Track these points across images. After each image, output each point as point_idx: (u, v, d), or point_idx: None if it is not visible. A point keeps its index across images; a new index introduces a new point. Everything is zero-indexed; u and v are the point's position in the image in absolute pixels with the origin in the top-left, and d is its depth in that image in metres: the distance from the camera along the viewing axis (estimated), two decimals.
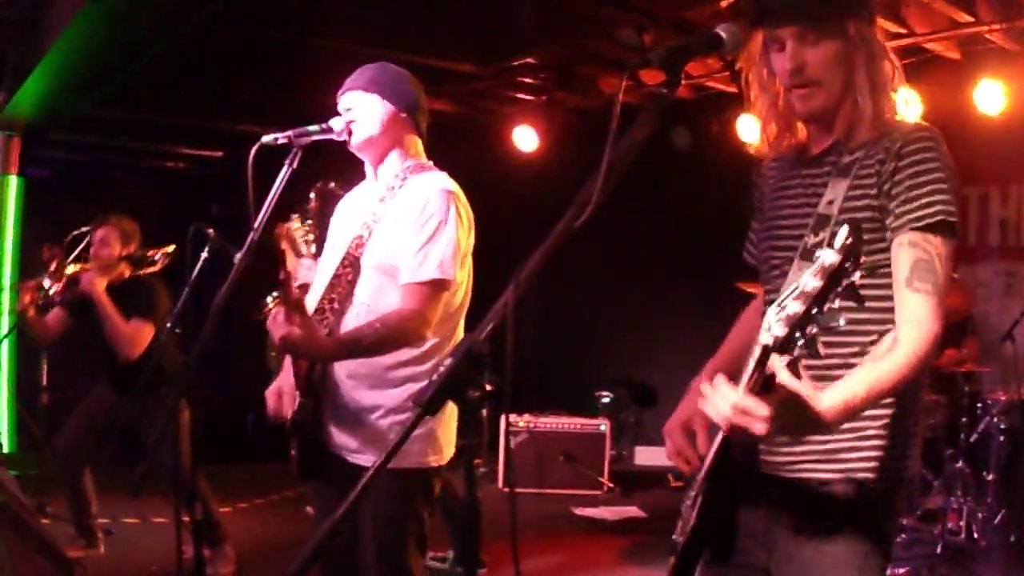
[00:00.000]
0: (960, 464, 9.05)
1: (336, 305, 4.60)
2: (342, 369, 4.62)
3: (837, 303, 2.53)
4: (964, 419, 9.28)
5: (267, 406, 4.85)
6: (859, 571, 3.22)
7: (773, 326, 2.57)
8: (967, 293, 10.38)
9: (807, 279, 2.51)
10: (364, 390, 4.58)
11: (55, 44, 9.85)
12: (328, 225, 5.03)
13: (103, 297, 8.00)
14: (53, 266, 8.27)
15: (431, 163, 4.84)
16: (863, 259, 2.57)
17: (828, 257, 2.50)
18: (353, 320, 4.57)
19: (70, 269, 8.31)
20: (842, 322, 2.57)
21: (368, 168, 4.83)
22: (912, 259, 3.09)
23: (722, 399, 2.75)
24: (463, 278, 4.65)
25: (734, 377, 2.82)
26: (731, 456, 3.20)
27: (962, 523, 8.85)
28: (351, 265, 4.61)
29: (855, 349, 3.21)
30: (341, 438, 4.64)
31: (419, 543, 4.64)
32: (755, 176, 3.80)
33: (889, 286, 3.16)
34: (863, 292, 2.68)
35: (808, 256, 3.17)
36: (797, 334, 2.54)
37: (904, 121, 3.32)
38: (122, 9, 8.82)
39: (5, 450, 12.42)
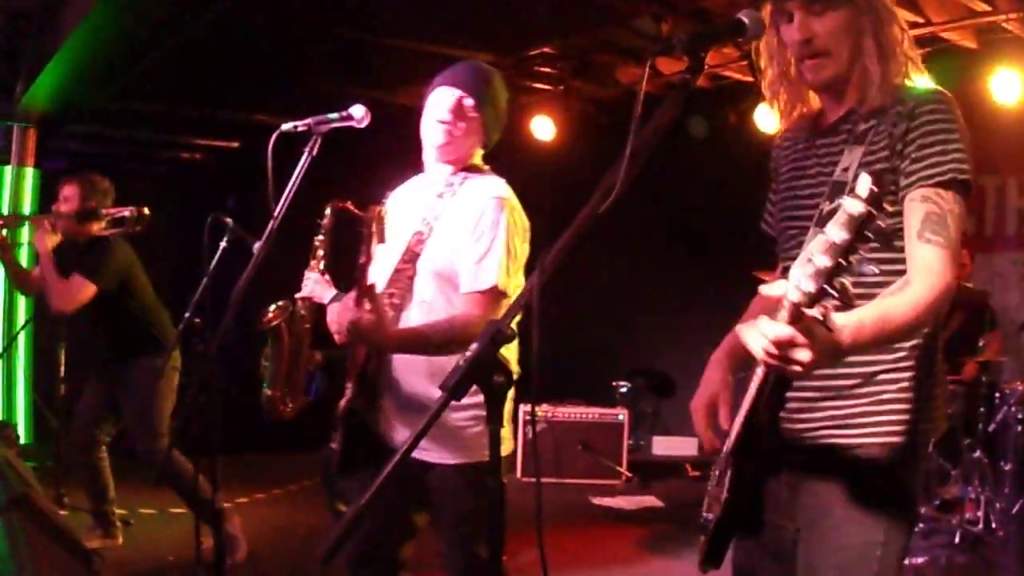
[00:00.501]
0: (978, 454, 9.04)
1: (396, 300, 4.58)
2: (405, 364, 4.59)
3: (862, 253, 2.49)
4: (982, 409, 9.27)
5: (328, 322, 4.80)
6: (885, 534, 3.23)
7: (803, 282, 2.52)
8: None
9: (834, 231, 2.47)
10: (428, 385, 4.53)
11: (71, 36, 9.88)
12: (336, 243, 5.02)
13: (43, 252, 8.03)
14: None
15: (488, 168, 4.82)
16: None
17: (854, 206, 2.45)
18: (415, 316, 4.55)
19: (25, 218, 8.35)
20: (875, 269, 2.58)
21: (428, 160, 4.79)
22: (923, 212, 3.08)
23: (761, 334, 2.70)
24: (517, 286, 4.62)
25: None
26: (757, 422, 3.21)
27: (980, 513, 8.84)
28: (411, 261, 4.59)
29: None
30: (396, 430, 4.62)
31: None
32: (772, 149, 3.81)
33: (902, 250, 3.15)
34: (877, 258, 2.68)
35: (824, 223, 3.16)
36: (827, 287, 2.50)
37: (917, 86, 3.33)
38: (137, 1, 8.83)
39: (23, 441, 12.44)
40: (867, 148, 3.18)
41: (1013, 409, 9.02)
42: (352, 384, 4.67)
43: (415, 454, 4.59)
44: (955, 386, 9.39)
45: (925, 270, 3.04)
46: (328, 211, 4.76)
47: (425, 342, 4.44)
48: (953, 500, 9.05)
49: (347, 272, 4.72)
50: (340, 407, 4.70)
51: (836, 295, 2.50)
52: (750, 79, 11.59)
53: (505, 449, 4.59)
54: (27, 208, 12.86)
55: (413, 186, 4.91)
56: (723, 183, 11.91)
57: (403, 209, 4.81)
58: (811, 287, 2.51)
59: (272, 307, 5.79)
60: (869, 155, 3.19)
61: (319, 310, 4.78)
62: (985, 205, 11.72)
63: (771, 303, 2.69)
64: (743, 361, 3.52)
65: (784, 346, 2.64)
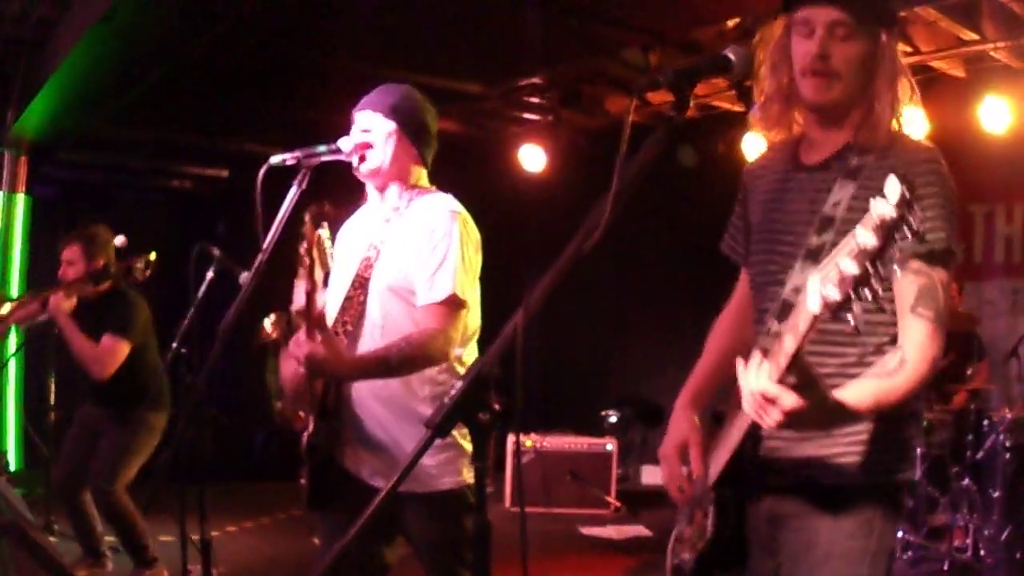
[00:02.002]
0: (966, 481, 9.04)
1: (349, 327, 4.59)
2: (364, 395, 4.59)
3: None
4: (970, 436, 9.27)
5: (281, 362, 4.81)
6: (869, 567, 3.27)
7: (827, 290, 2.50)
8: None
9: (864, 236, 2.44)
10: (390, 412, 4.55)
11: (63, 64, 9.88)
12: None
13: (65, 320, 7.86)
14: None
15: (434, 187, 4.83)
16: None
17: (885, 210, 2.43)
18: (368, 341, 4.55)
19: (27, 300, 8.31)
20: (897, 269, 2.55)
21: (371, 191, 4.80)
22: (917, 287, 3.12)
23: (752, 379, 2.78)
24: (475, 299, 4.64)
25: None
26: (743, 453, 3.24)
27: (968, 540, 8.83)
28: (361, 287, 4.60)
29: (852, 359, 3.25)
30: (362, 461, 4.61)
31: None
32: (744, 173, 3.82)
33: (887, 299, 3.16)
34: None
35: (812, 256, 3.16)
36: (853, 295, 2.48)
37: (912, 138, 3.36)
38: (129, 29, 8.85)
39: (12, 468, 12.41)
40: (858, 188, 3.18)
41: (1001, 437, 9.01)
42: (313, 418, 4.66)
43: (377, 482, 4.60)
44: (943, 414, 9.41)
45: (918, 345, 3.11)
46: (307, 218, 4.76)
47: (385, 365, 4.43)
48: (942, 528, 9.06)
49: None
50: (303, 442, 4.69)
51: (868, 301, 2.50)
52: (739, 109, 11.64)
53: (470, 478, 4.59)
54: (18, 234, 12.86)
55: (359, 218, 4.94)
56: (712, 212, 11.85)
57: (350, 240, 4.85)
58: (836, 295, 2.50)
59: (267, 321, 5.81)
60: (860, 197, 3.16)
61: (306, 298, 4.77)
62: (973, 233, 11.73)
63: (729, 341, 2.74)
64: (708, 402, 3.58)
65: (767, 400, 2.72)
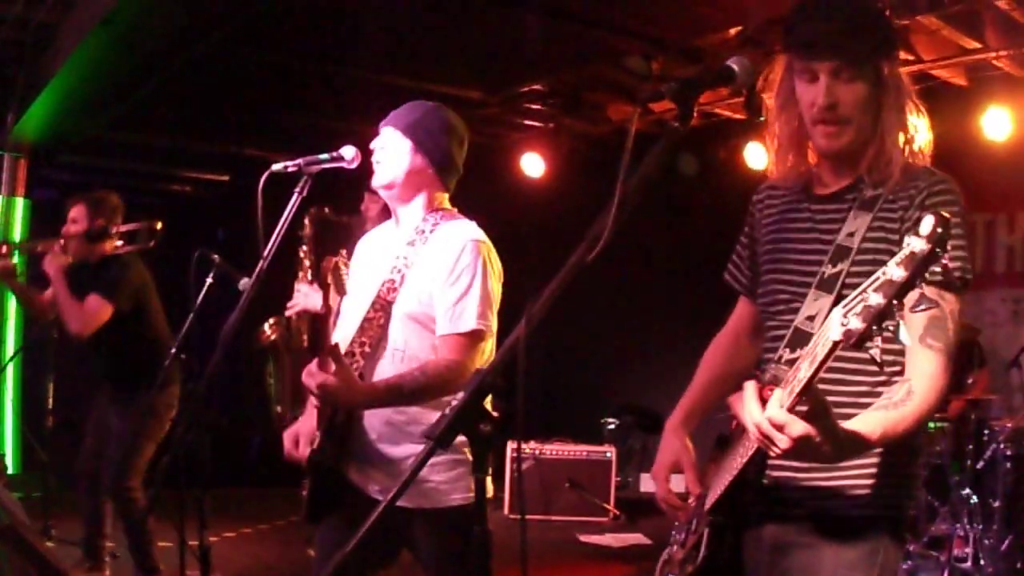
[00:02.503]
0: (966, 491, 9.01)
1: (367, 349, 4.54)
2: (374, 416, 4.55)
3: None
4: (970, 446, 9.25)
5: (284, 447, 4.80)
6: None
7: (850, 321, 2.48)
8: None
9: (892, 269, 2.43)
10: (399, 429, 4.52)
11: (63, 67, 9.89)
12: (317, 248, 5.00)
13: (55, 275, 7.83)
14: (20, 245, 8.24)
15: (457, 212, 4.77)
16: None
17: (917, 245, 2.42)
18: (388, 365, 4.51)
19: (30, 244, 8.27)
20: (928, 305, 2.54)
21: (398, 211, 4.74)
22: (927, 316, 3.06)
23: (758, 407, 2.75)
24: (494, 329, 4.60)
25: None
26: (745, 480, 3.20)
27: (968, 550, 8.80)
28: (382, 309, 4.54)
29: (864, 388, 3.22)
30: (369, 476, 4.57)
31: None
32: (752, 203, 3.79)
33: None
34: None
35: (826, 287, 3.15)
36: (875, 327, 2.46)
37: (926, 168, 3.30)
38: (129, 33, 8.85)
39: (10, 471, 12.39)
40: (875, 219, 3.16)
41: (1002, 446, 9.00)
42: (321, 434, 4.63)
43: (380, 495, 4.57)
44: (943, 424, 9.39)
45: (927, 376, 3.05)
46: (307, 220, 4.74)
47: (398, 393, 4.41)
48: (942, 537, 9.02)
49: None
50: (309, 455, 4.66)
51: (890, 333, 2.48)
52: (740, 116, 11.63)
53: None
54: (17, 236, 12.83)
55: (380, 234, 4.90)
56: (712, 220, 11.89)
57: (370, 258, 4.81)
58: (860, 325, 2.47)
59: (266, 324, 5.80)
60: (877, 229, 3.18)
61: (314, 320, 4.75)
62: (974, 242, 11.70)
63: (722, 366, 2.71)
64: (700, 422, 3.56)
65: (774, 427, 2.69)
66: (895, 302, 2.44)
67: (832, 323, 2.54)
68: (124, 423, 7.96)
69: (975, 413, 9.50)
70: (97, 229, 8.06)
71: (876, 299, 2.45)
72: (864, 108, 3.25)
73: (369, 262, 4.78)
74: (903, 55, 9.86)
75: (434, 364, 4.42)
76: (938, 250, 2.43)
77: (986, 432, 9.26)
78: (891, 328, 2.47)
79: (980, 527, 8.87)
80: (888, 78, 3.26)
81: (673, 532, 3.66)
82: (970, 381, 9.96)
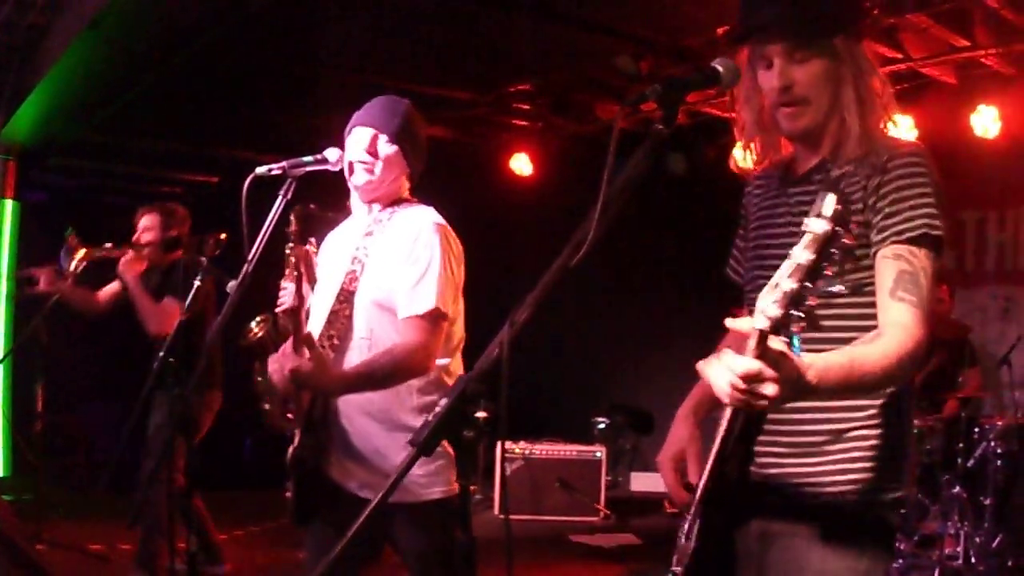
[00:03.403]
0: (957, 489, 9.01)
1: (336, 341, 4.58)
2: (350, 408, 4.58)
3: (831, 273, 2.51)
4: (961, 444, 9.24)
5: (269, 372, 4.77)
6: None
7: (768, 309, 2.52)
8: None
9: (799, 253, 2.48)
10: (377, 424, 4.54)
11: (52, 69, 9.89)
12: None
13: (133, 280, 8.08)
14: (76, 251, 8.36)
15: (415, 199, 4.82)
16: (849, 276, 2.54)
17: (818, 226, 2.47)
18: (356, 355, 4.54)
19: (102, 251, 8.38)
20: (842, 288, 2.56)
21: (356, 201, 4.79)
22: (896, 271, 3.05)
23: (727, 369, 2.65)
24: (458, 310, 4.64)
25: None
26: (725, 473, 3.19)
27: (959, 548, 8.81)
28: (347, 300, 4.59)
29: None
30: (350, 473, 4.59)
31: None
32: (744, 195, 3.81)
33: (873, 305, 3.12)
34: (847, 311, 2.78)
35: None
36: (794, 312, 2.50)
37: (893, 137, 3.31)
38: (118, 36, 8.86)
39: (1, 474, 12.39)
40: (841, 192, 3.16)
41: (993, 444, 9.01)
42: (299, 431, 4.64)
43: (365, 493, 4.58)
44: (934, 422, 9.39)
45: (897, 326, 3.00)
46: (292, 218, 4.73)
47: (369, 378, 4.45)
48: (933, 535, 9.02)
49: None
50: (289, 455, 4.67)
51: (803, 318, 2.51)
52: (728, 115, 11.62)
53: (454, 489, 4.59)
54: (6, 240, 12.85)
55: (342, 230, 4.93)
56: (702, 219, 11.92)
57: (334, 253, 4.83)
58: (777, 312, 2.51)
59: (253, 322, 5.79)
60: (843, 200, 3.15)
61: (288, 310, 4.75)
62: (965, 239, 11.75)
63: (739, 339, 2.67)
64: (709, 413, 3.53)
65: (751, 379, 2.62)
66: (807, 284, 2.48)
67: (757, 312, 2.57)
68: (168, 418, 8.00)
69: (966, 411, 9.51)
70: (172, 239, 8.44)
71: (789, 284, 2.49)
72: (821, 86, 3.25)
73: (333, 256, 4.82)
74: (892, 53, 9.89)
75: (400, 347, 4.46)
76: (839, 228, 2.46)
77: (976, 430, 9.26)
78: (802, 313, 2.51)
79: (971, 525, 8.88)
80: (844, 54, 3.25)
81: (681, 521, 3.64)
82: (961, 380, 9.96)
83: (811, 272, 2.47)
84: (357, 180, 4.64)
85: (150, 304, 8.02)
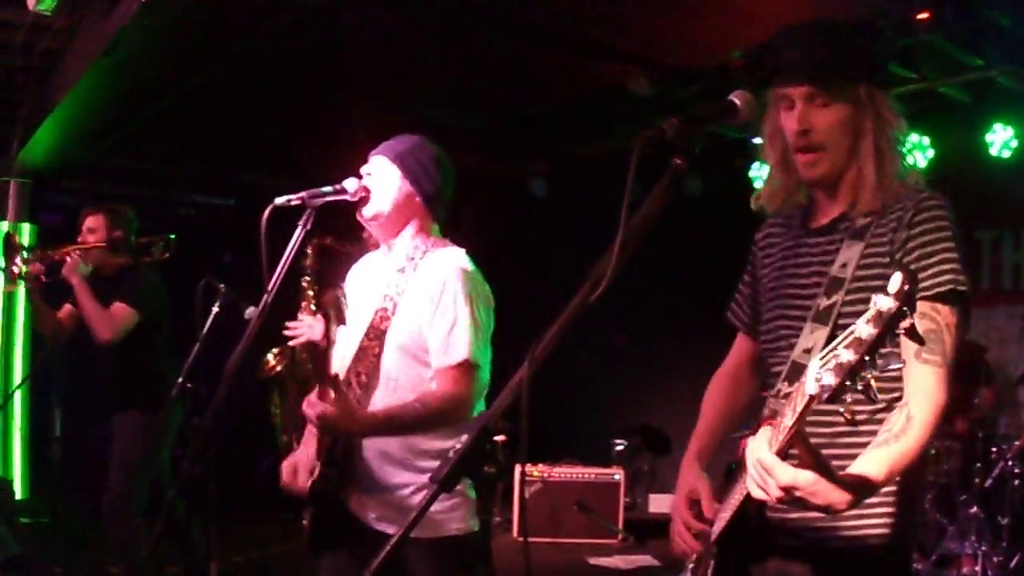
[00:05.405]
0: (975, 509, 9.00)
1: (364, 378, 4.57)
2: (372, 446, 4.58)
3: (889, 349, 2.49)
4: (978, 464, 9.24)
5: (282, 478, 4.81)
6: None
7: (823, 376, 2.49)
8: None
9: (861, 327, 2.45)
10: (398, 459, 4.55)
11: (68, 94, 9.93)
12: (320, 279, 5.00)
13: (79, 281, 7.91)
14: (17, 251, 8.22)
15: (448, 241, 4.80)
16: None
17: (884, 303, 2.44)
18: (383, 394, 4.54)
19: (51, 252, 8.26)
20: (901, 363, 2.54)
21: (378, 238, 4.80)
22: (921, 330, 3.01)
23: (779, 483, 2.74)
24: (488, 358, 4.63)
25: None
26: (747, 513, 3.19)
27: (977, 568, 8.81)
28: (377, 338, 4.57)
29: (863, 416, 3.13)
30: (368, 506, 4.59)
31: None
32: (754, 242, 3.81)
33: (883, 389, 3.10)
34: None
35: (821, 319, 3.15)
36: (849, 383, 2.48)
37: (913, 185, 3.29)
38: (133, 62, 8.89)
39: (19, 496, 12.40)
40: (866, 247, 3.16)
41: (1010, 463, 9.00)
42: (320, 464, 4.64)
43: (381, 527, 4.58)
44: (951, 442, 9.38)
45: (924, 394, 3.03)
46: (310, 251, 4.75)
47: (398, 424, 4.46)
48: (950, 555, 9.02)
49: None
50: (309, 485, 4.67)
51: (860, 391, 2.49)
52: (743, 136, 11.63)
53: (475, 524, 4.60)
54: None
55: (372, 262, 4.92)
56: (717, 241, 11.91)
57: (363, 286, 4.82)
58: (832, 380, 2.48)
59: (270, 355, 5.80)
60: (868, 256, 3.17)
61: (315, 351, 4.76)
62: (981, 259, 11.71)
63: (724, 401, 2.71)
64: (710, 460, 3.57)
65: (779, 484, 2.69)
66: (867, 358, 2.45)
67: (809, 377, 2.56)
68: (119, 445, 7.94)
69: (982, 431, 9.49)
70: (117, 239, 8.23)
71: (847, 356, 2.47)
72: (840, 134, 3.25)
73: (362, 289, 4.81)
74: (906, 73, 9.89)
75: (432, 395, 4.46)
76: (905, 308, 2.44)
77: (994, 450, 9.25)
78: (860, 385, 2.49)
79: (989, 545, 8.87)
80: (867, 102, 3.25)
81: (687, 563, 3.65)
82: (976, 400, 9.94)
83: (872, 347, 2.45)
84: (366, 213, 4.65)
85: (99, 308, 7.89)
